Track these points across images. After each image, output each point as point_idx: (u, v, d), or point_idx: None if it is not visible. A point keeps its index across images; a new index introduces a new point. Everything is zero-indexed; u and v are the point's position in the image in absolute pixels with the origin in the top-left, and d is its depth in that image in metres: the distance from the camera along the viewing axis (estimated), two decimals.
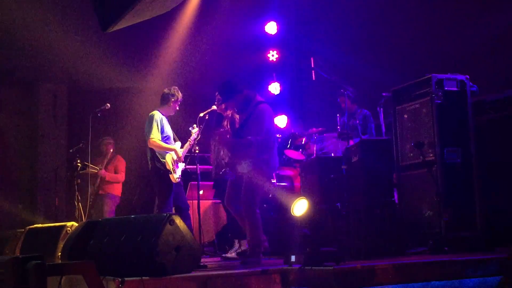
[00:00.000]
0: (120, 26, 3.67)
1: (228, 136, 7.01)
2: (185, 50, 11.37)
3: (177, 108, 8.03)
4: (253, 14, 11.67)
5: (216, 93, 7.65)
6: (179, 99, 7.98)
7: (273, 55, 11.70)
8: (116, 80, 10.64)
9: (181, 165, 7.93)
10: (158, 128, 7.73)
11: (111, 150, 10.02)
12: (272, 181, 8.37)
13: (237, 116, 7.05)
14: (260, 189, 6.74)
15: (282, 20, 11.66)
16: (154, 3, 3.59)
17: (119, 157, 10.03)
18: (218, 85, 7.19)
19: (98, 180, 9.52)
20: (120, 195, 9.94)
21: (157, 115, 7.82)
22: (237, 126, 7.01)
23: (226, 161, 7.27)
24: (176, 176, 7.80)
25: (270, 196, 7.99)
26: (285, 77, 11.70)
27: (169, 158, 7.78)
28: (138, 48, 10.88)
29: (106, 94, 10.31)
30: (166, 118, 7.99)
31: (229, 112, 7.22)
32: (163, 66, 11.33)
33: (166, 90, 7.98)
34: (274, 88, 11.57)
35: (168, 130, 7.95)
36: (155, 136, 7.68)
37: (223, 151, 7.62)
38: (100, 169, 9.52)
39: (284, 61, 11.70)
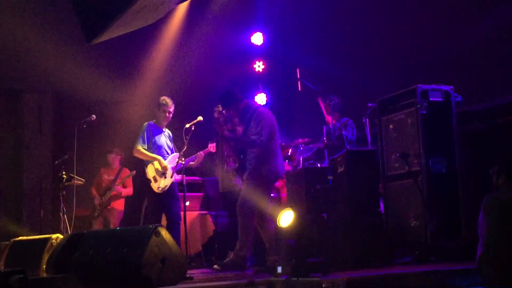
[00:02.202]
0: (105, 38, 3.66)
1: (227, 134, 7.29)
2: (172, 60, 11.37)
3: (169, 116, 8.17)
4: (239, 24, 11.70)
5: (215, 108, 7.70)
6: (168, 108, 8.11)
7: (259, 66, 11.71)
8: (102, 91, 10.58)
9: (170, 177, 7.94)
10: (143, 137, 7.96)
11: (119, 162, 10.11)
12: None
13: (239, 128, 7.26)
14: (260, 193, 6.87)
15: (268, 30, 11.70)
16: (139, 15, 3.58)
17: (125, 169, 9.99)
18: (219, 95, 7.48)
19: (109, 195, 9.52)
20: (123, 209, 9.92)
21: (145, 125, 8.07)
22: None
23: (233, 167, 7.45)
24: (158, 186, 7.85)
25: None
26: (271, 87, 11.72)
27: (150, 168, 7.95)
28: (124, 59, 10.87)
29: (92, 105, 10.25)
30: (160, 128, 8.13)
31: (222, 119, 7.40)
32: (149, 77, 11.31)
33: (158, 100, 8.19)
34: (261, 98, 11.58)
35: (160, 140, 8.09)
36: (138, 145, 7.96)
37: (227, 154, 7.77)
38: (113, 183, 9.52)
39: (270, 72, 11.73)
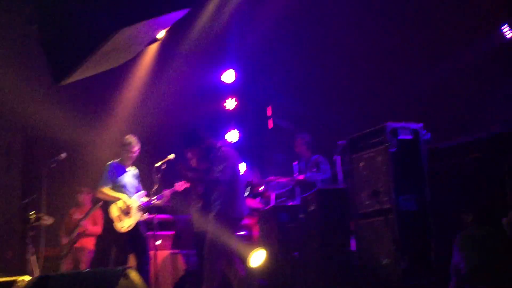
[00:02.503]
0: (74, 79, 3.64)
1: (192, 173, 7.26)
2: (143, 98, 11.36)
3: (133, 156, 8.13)
4: (211, 62, 11.77)
5: (188, 152, 7.67)
6: (132, 148, 8.10)
7: (231, 103, 11.76)
8: (72, 130, 10.51)
9: (136, 216, 7.86)
10: (106, 178, 7.96)
11: (90, 201, 9.94)
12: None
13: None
14: (226, 237, 6.82)
15: (240, 68, 11.78)
16: (109, 56, 3.58)
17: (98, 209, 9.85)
18: (182, 135, 7.42)
19: (76, 231, 9.34)
20: (94, 248, 9.75)
21: (108, 165, 8.07)
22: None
23: (200, 209, 7.37)
24: (122, 225, 7.80)
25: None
26: (243, 124, 11.75)
27: (113, 207, 7.91)
28: (95, 98, 10.84)
29: (62, 144, 10.13)
30: (124, 167, 8.08)
31: (194, 160, 7.33)
32: (120, 115, 11.27)
33: (123, 140, 8.15)
34: (233, 136, 11.60)
35: (124, 179, 8.05)
36: (100, 186, 7.97)
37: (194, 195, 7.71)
38: (81, 219, 9.34)
39: (242, 109, 11.77)
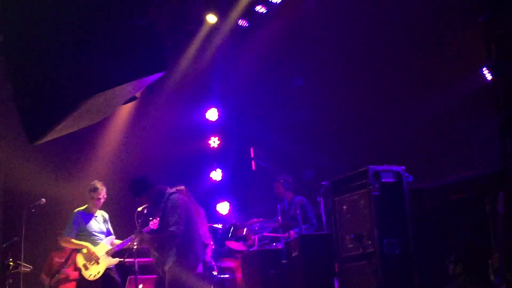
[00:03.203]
0: (48, 138, 3.58)
1: (145, 233, 7.06)
2: (125, 139, 11.30)
3: (99, 202, 8.04)
4: (194, 100, 11.77)
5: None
6: (98, 194, 8.00)
7: (214, 142, 11.74)
8: (52, 172, 10.42)
9: (104, 262, 7.75)
10: (70, 227, 7.88)
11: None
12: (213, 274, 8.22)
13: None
14: (183, 285, 6.64)
15: (223, 106, 11.80)
16: (85, 116, 3.54)
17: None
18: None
19: (57, 278, 9.15)
20: None
21: (72, 214, 7.97)
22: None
23: (154, 261, 7.18)
24: (90, 273, 7.72)
25: None
26: (226, 163, 11.73)
27: (79, 256, 7.85)
28: (75, 137, 10.73)
29: (43, 186, 10.04)
30: (90, 214, 8.01)
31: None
32: (102, 156, 11.19)
33: (88, 185, 8.09)
34: (216, 174, 11.55)
35: (91, 226, 7.96)
36: (64, 235, 7.93)
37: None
38: (62, 266, 9.17)
39: (225, 147, 11.76)
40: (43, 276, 9.53)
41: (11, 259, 8.39)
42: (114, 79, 3.09)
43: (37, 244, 10.03)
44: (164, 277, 6.84)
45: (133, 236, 7.85)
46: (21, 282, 8.24)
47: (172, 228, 6.72)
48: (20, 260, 8.54)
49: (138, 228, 7.50)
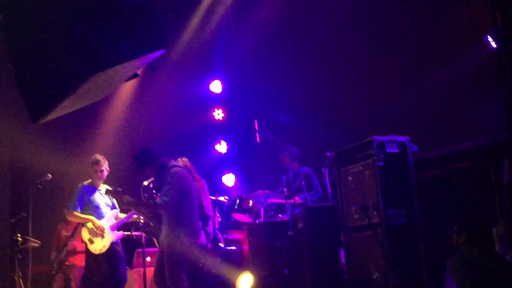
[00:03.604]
0: (51, 117, 3.59)
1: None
2: (129, 113, 11.30)
3: (102, 175, 8.02)
4: (198, 73, 11.71)
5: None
6: (100, 167, 7.99)
7: (218, 114, 11.71)
8: (58, 148, 10.46)
9: (109, 235, 7.82)
10: (76, 201, 7.85)
11: None
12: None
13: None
14: (182, 261, 6.68)
15: (227, 78, 11.74)
16: (87, 95, 3.53)
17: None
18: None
19: (65, 251, 9.23)
20: (84, 265, 9.67)
21: (78, 186, 7.96)
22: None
23: (147, 229, 7.25)
24: (94, 248, 7.77)
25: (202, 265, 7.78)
26: (231, 135, 11.71)
27: (84, 230, 7.88)
28: (81, 111, 10.74)
29: (49, 161, 10.08)
30: (95, 187, 8.01)
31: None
32: (107, 129, 11.21)
33: (90, 159, 8.08)
34: (221, 147, 11.56)
35: (96, 200, 7.96)
36: (70, 209, 7.91)
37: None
38: (69, 239, 9.23)
39: (230, 120, 11.73)
40: (52, 250, 9.63)
41: (19, 235, 8.48)
42: (115, 57, 3.09)
43: (45, 219, 10.12)
44: (162, 249, 6.87)
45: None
46: (30, 257, 8.32)
47: (158, 200, 6.75)
48: (28, 236, 8.62)
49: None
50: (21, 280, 8.25)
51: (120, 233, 7.94)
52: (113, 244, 7.84)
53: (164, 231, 6.82)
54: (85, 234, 7.85)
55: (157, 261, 7.02)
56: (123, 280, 7.75)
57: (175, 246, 6.68)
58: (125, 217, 7.93)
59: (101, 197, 8.01)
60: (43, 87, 3.37)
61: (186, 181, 6.98)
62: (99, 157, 8.07)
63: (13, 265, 8.64)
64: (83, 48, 3.10)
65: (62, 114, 3.73)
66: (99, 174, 8.00)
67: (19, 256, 8.45)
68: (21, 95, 3.47)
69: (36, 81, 3.39)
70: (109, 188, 8.02)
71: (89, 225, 7.84)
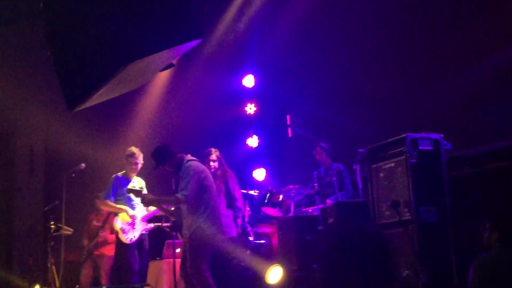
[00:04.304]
0: (87, 105, 3.65)
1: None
2: (162, 105, 11.40)
3: (136, 167, 8.19)
4: (231, 67, 11.74)
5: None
6: (135, 159, 8.16)
7: (250, 108, 11.72)
8: (91, 138, 10.61)
9: (139, 227, 7.98)
10: (109, 191, 8.08)
11: None
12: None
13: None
14: (204, 251, 6.75)
15: (260, 73, 11.73)
16: (123, 83, 3.58)
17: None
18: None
19: (95, 241, 9.37)
20: (114, 254, 9.81)
21: (112, 177, 8.18)
22: None
23: (170, 225, 7.35)
24: (126, 236, 7.91)
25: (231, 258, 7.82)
26: (263, 130, 11.71)
27: (116, 220, 8.03)
28: (115, 104, 10.87)
29: (82, 151, 10.23)
30: (128, 179, 8.20)
31: None
32: (140, 122, 11.33)
33: (125, 151, 8.28)
34: (252, 141, 11.58)
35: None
36: (103, 199, 8.16)
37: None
38: (100, 229, 9.36)
39: (262, 114, 11.72)
40: (83, 239, 9.78)
41: (52, 222, 8.64)
42: (151, 46, 3.12)
43: (77, 208, 10.28)
44: (186, 242, 6.95)
45: None
46: (62, 245, 8.48)
47: (178, 194, 6.82)
48: (61, 223, 8.78)
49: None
50: (53, 266, 8.41)
51: (151, 225, 8.06)
52: (141, 235, 8.01)
53: (186, 223, 6.90)
54: (118, 223, 7.99)
55: (182, 254, 7.11)
56: (139, 271, 7.91)
57: (197, 237, 6.76)
58: (155, 209, 8.02)
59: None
60: (80, 75, 3.42)
61: (203, 173, 7.03)
62: (134, 149, 8.21)
63: (46, 252, 8.81)
64: (120, 37, 3.14)
65: (98, 102, 3.79)
66: (133, 166, 8.16)
67: (52, 243, 8.61)
68: (59, 82, 3.53)
69: (74, 69, 3.45)
70: (140, 180, 8.16)
71: (122, 215, 7.99)
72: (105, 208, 8.40)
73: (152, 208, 8.06)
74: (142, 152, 8.34)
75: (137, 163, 8.16)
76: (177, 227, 7.19)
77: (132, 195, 7.96)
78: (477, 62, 8.04)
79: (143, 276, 8.17)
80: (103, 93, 3.59)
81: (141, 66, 3.34)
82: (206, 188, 6.95)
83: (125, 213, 7.99)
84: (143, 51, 3.11)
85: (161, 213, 8.11)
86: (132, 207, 8.06)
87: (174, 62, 3.81)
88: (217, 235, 6.92)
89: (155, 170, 7.24)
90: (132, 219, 7.95)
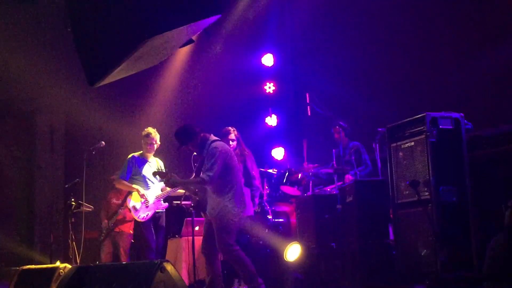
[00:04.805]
0: (107, 81, 3.66)
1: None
2: (182, 83, 11.42)
3: (151, 148, 8.25)
4: (250, 46, 11.71)
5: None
6: (151, 140, 8.22)
7: (270, 87, 11.71)
8: (111, 116, 10.66)
9: (153, 206, 8.11)
10: (125, 170, 8.22)
11: None
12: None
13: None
14: (231, 229, 6.80)
15: (279, 52, 11.71)
16: (143, 59, 3.58)
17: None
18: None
19: (115, 219, 9.46)
20: (133, 232, 9.90)
21: (128, 158, 8.31)
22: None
23: (193, 204, 7.37)
24: (138, 215, 8.03)
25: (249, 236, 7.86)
26: (282, 109, 11.71)
27: (130, 197, 8.18)
28: (134, 83, 10.90)
29: (102, 129, 10.30)
30: (144, 159, 8.29)
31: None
32: (159, 101, 11.37)
33: (142, 132, 8.35)
34: (271, 120, 11.58)
35: (144, 171, 8.23)
36: (118, 177, 8.35)
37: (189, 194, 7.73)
38: (122, 208, 9.41)
39: (281, 93, 11.72)
40: (102, 217, 9.88)
41: (73, 199, 8.73)
42: (171, 21, 3.11)
43: (97, 185, 10.38)
44: (210, 221, 6.99)
45: None
46: (83, 221, 8.58)
47: (203, 175, 6.82)
48: (82, 200, 8.87)
49: (193, 173, 7.67)
50: (74, 243, 8.51)
51: (165, 204, 8.13)
52: (157, 214, 8.14)
53: (212, 203, 6.93)
54: (130, 202, 8.12)
55: (204, 232, 7.15)
56: (153, 246, 8.03)
57: (224, 216, 6.80)
58: (171, 190, 8.06)
59: (149, 169, 8.25)
60: (101, 50, 3.43)
61: (228, 153, 7.03)
62: (151, 130, 8.26)
63: (67, 229, 8.92)
64: (139, 12, 3.14)
65: (118, 78, 3.80)
66: (148, 147, 8.23)
67: (73, 220, 8.71)
68: (79, 57, 3.54)
69: (94, 44, 3.46)
70: (159, 162, 8.22)
71: (134, 194, 8.12)
72: (119, 187, 8.64)
73: (168, 188, 8.11)
74: (160, 131, 8.38)
75: (152, 144, 8.21)
76: (201, 206, 7.23)
77: (148, 175, 8.05)
78: (501, 42, 7.93)
79: (160, 253, 8.30)
80: (123, 69, 3.60)
81: (161, 41, 3.33)
82: (231, 169, 6.96)
83: (136, 192, 8.11)
84: (163, 26, 3.10)
85: (176, 194, 8.18)
86: (147, 187, 8.17)
87: (194, 38, 3.79)
88: (241, 214, 6.98)
89: (178, 150, 7.26)
90: (143, 198, 8.03)
